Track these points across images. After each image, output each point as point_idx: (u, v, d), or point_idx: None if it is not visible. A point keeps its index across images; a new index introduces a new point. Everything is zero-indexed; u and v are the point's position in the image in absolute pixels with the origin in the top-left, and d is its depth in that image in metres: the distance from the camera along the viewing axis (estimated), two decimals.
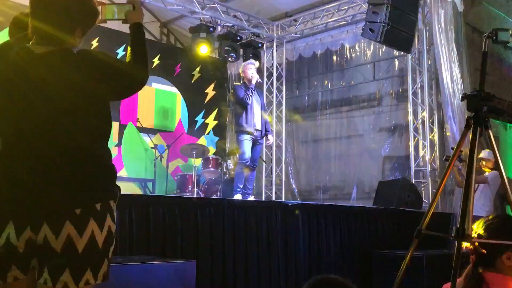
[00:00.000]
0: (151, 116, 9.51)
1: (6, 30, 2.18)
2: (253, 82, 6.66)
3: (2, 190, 1.82)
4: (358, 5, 8.65)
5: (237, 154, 7.47)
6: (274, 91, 10.07)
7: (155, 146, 8.82)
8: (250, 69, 6.74)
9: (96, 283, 1.82)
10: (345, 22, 9.16)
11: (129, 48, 2.05)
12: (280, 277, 4.94)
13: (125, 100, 8.53)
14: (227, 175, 8.27)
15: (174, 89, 9.94)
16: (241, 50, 9.63)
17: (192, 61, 10.18)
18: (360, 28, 7.81)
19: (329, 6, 8.98)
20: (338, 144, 9.54)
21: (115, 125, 8.77)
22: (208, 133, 10.35)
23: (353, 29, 9.14)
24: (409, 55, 8.06)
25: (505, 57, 9.32)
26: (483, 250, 2.06)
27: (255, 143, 6.73)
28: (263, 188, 9.82)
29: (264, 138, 6.92)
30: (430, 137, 7.87)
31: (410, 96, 8.13)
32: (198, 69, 10.32)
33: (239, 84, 6.98)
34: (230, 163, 8.38)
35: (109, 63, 1.94)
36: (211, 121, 10.45)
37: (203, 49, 9.18)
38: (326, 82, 9.95)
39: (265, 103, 7.36)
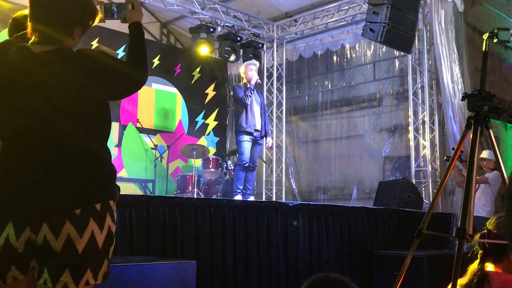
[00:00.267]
0: (151, 117, 9.51)
1: (6, 30, 2.18)
2: (253, 82, 6.66)
3: (1, 190, 1.81)
4: (358, 5, 8.65)
5: (237, 155, 7.47)
6: (274, 91, 10.07)
7: (155, 147, 8.82)
8: (251, 69, 6.74)
9: (96, 283, 1.82)
10: (345, 22, 9.16)
11: (128, 48, 2.05)
12: (280, 278, 4.94)
13: (125, 100, 8.53)
14: (227, 176, 8.27)
15: (174, 90, 9.94)
16: (241, 51, 9.63)
17: (192, 62, 10.18)
18: (361, 28, 7.81)
19: (329, 6, 8.98)
20: (338, 145, 9.53)
21: (115, 126, 8.77)
22: (208, 134, 10.35)
23: (353, 29, 9.14)
24: (410, 55, 8.06)
25: (505, 57, 9.32)
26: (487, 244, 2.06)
27: (254, 143, 6.72)
28: (263, 189, 9.81)
29: (264, 138, 6.91)
30: (431, 137, 7.87)
31: (411, 96, 8.12)
32: (198, 69, 10.32)
33: (239, 84, 6.98)
34: (230, 164, 8.37)
35: (107, 63, 1.94)
36: (211, 122, 10.45)
37: (203, 50, 9.18)
38: (327, 82, 9.94)
39: (265, 103, 7.35)
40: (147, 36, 9.69)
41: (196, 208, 4.45)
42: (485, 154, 6.42)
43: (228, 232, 4.62)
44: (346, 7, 8.86)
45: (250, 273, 4.72)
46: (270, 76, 10.20)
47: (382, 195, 7.30)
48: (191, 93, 10.16)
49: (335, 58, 9.74)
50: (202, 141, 10.04)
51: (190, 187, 8.14)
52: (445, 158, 6.97)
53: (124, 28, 2.17)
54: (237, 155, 7.06)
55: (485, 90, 2.61)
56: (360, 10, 8.62)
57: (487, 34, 2.65)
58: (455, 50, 7.27)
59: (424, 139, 7.92)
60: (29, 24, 1.93)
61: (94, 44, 8.35)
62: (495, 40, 2.65)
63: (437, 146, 7.86)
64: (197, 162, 8.42)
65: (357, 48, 9.39)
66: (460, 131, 6.89)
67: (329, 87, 9.88)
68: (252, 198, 6.78)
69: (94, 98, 1.90)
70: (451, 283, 2.18)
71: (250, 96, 6.59)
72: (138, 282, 3.13)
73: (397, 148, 8.68)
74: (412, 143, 8.00)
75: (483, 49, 2.66)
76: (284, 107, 10.10)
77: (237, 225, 4.70)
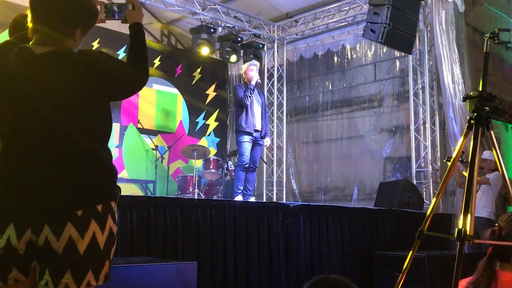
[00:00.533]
0: (152, 118, 9.51)
1: (6, 31, 2.18)
2: (253, 82, 6.66)
3: (2, 191, 1.81)
4: (359, 6, 8.65)
5: (237, 156, 7.47)
6: (275, 92, 10.07)
7: (156, 148, 8.82)
8: (252, 70, 6.74)
9: (98, 284, 1.82)
10: (346, 23, 9.16)
11: (128, 49, 2.05)
12: (281, 279, 4.93)
13: (126, 101, 8.53)
14: (228, 176, 8.26)
15: (175, 90, 9.94)
16: (242, 51, 9.63)
17: (193, 62, 10.19)
18: (361, 29, 7.80)
19: (330, 7, 8.99)
20: (339, 145, 9.53)
21: (116, 127, 8.77)
22: (209, 134, 10.35)
23: (354, 30, 9.14)
24: (410, 55, 8.05)
25: (506, 57, 9.32)
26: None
27: (255, 144, 6.72)
28: (264, 189, 9.81)
29: (263, 139, 6.90)
30: (431, 138, 7.86)
31: (411, 97, 8.12)
32: (199, 70, 10.32)
33: (239, 84, 6.98)
34: (231, 164, 8.37)
35: (108, 64, 1.93)
36: (212, 122, 10.45)
37: (204, 50, 9.18)
38: (327, 83, 9.94)
39: (266, 103, 7.35)
40: (147, 36, 9.69)
41: (197, 208, 4.45)
42: (485, 154, 6.41)
43: (228, 233, 4.62)
44: (347, 8, 8.86)
45: (250, 273, 4.72)
46: (270, 76, 10.20)
47: (383, 195, 7.30)
48: (191, 94, 10.16)
49: (335, 58, 9.74)
50: (203, 141, 10.05)
51: (190, 187, 8.14)
52: (445, 159, 6.96)
53: (124, 28, 2.17)
54: (238, 155, 7.06)
55: (486, 91, 2.61)
56: (360, 10, 8.62)
57: (488, 35, 2.65)
58: (456, 51, 7.27)
59: (425, 139, 7.92)
60: (29, 25, 1.93)
61: (95, 45, 8.36)
62: (496, 41, 2.65)
63: (438, 146, 7.86)
64: (198, 163, 8.42)
65: (357, 48, 9.39)
66: (461, 132, 6.89)
67: (330, 87, 9.87)
68: (252, 199, 6.78)
69: (95, 99, 1.90)
70: (465, 279, 2.17)
71: (250, 97, 6.58)
72: (139, 283, 3.13)
73: (398, 148, 8.68)
74: (412, 144, 8.00)
75: (484, 51, 2.66)
76: (284, 108, 10.10)
77: (237, 226, 4.70)
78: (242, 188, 6.62)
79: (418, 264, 4.88)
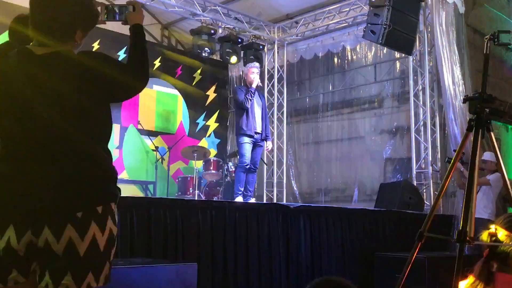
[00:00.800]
0: (152, 119, 9.51)
1: (6, 32, 2.18)
2: (254, 85, 6.65)
3: (2, 193, 1.81)
4: (359, 7, 8.65)
5: (237, 157, 7.46)
6: (275, 93, 10.07)
7: (156, 149, 8.82)
8: (253, 72, 6.73)
9: (98, 286, 1.81)
10: (346, 24, 9.16)
11: (128, 50, 2.05)
12: (281, 280, 4.93)
13: (126, 102, 8.53)
14: (228, 178, 8.26)
15: (175, 91, 9.95)
16: (242, 52, 9.63)
17: (193, 63, 10.19)
18: (361, 30, 7.80)
19: (330, 8, 8.99)
20: (339, 146, 9.53)
21: (116, 128, 8.78)
22: (209, 135, 10.35)
23: (354, 31, 9.14)
24: (411, 57, 8.05)
25: (506, 58, 9.32)
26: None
27: (255, 145, 6.71)
28: (264, 191, 9.81)
29: (264, 141, 6.89)
30: (432, 139, 7.86)
31: (412, 98, 8.12)
32: (199, 71, 10.33)
33: (240, 86, 6.98)
34: (231, 165, 8.37)
35: (108, 65, 1.94)
36: (212, 123, 10.46)
37: (204, 51, 9.18)
38: (327, 84, 9.94)
39: (266, 105, 7.35)
40: (148, 38, 9.65)
41: (197, 210, 4.45)
42: (486, 156, 6.41)
43: (229, 234, 4.62)
44: (347, 9, 8.86)
45: (251, 275, 4.72)
46: (271, 77, 10.20)
47: (383, 197, 7.29)
48: (192, 95, 10.17)
49: (336, 59, 9.74)
50: (203, 142, 10.04)
51: (191, 189, 8.14)
52: (446, 160, 6.97)
53: (125, 30, 2.17)
54: (238, 157, 7.06)
55: (486, 92, 2.61)
56: (361, 11, 8.62)
57: (488, 37, 2.65)
58: (456, 52, 7.27)
59: (425, 141, 7.92)
60: (30, 26, 1.93)
61: (96, 46, 8.36)
62: (496, 43, 2.65)
63: (438, 148, 7.85)
64: (198, 164, 8.42)
65: (358, 49, 9.39)
66: (461, 133, 6.89)
67: (330, 88, 9.87)
68: (253, 200, 6.78)
69: (95, 100, 1.90)
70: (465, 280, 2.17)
71: (250, 100, 6.57)
72: (140, 284, 3.13)
73: (398, 150, 8.68)
74: (413, 145, 7.99)
75: (484, 52, 2.66)
76: (285, 109, 10.10)
77: (238, 227, 4.70)
78: (242, 189, 6.62)
79: (418, 266, 4.88)
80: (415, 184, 7.67)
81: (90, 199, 1.83)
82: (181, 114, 10.01)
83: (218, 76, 10.72)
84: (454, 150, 6.31)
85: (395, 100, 8.94)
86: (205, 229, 4.45)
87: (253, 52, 9.67)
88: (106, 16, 2.14)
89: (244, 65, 9.00)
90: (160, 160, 8.84)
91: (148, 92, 9.31)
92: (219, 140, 10.52)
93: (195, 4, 8.77)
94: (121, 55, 8.68)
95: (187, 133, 9.94)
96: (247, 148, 6.58)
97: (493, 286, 1.97)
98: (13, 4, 7.49)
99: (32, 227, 1.77)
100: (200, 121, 10.26)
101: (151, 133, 9.24)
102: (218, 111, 10.54)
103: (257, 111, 6.73)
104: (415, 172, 7.91)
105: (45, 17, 1.91)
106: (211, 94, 10.52)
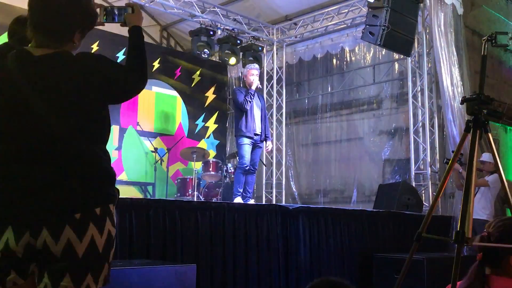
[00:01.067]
0: (151, 120, 9.52)
1: (5, 34, 2.19)
2: (253, 87, 6.65)
3: (0, 194, 1.81)
4: (358, 9, 8.66)
5: (237, 158, 7.47)
6: (274, 94, 10.08)
7: (155, 150, 8.83)
8: (252, 74, 6.73)
9: (97, 287, 1.81)
10: (345, 25, 9.17)
11: (127, 52, 2.05)
12: (280, 281, 4.93)
13: (125, 103, 8.52)
14: (227, 179, 8.27)
15: (174, 93, 9.95)
16: (241, 54, 9.65)
17: (192, 65, 10.20)
18: (360, 31, 7.82)
19: (329, 9, 9.00)
20: (338, 147, 9.54)
21: (115, 129, 8.78)
22: (208, 137, 10.36)
23: (353, 33, 9.16)
24: (409, 58, 8.07)
25: (505, 59, 9.33)
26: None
27: (255, 146, 6.72)
28: (263, 192, 9.81)
29: (264, 142, 6.89)
30: (430, 140, 7.87)
31: (410, 99, 8.13)
32: (198, 72, 10.34)
33: (239, 88, 6.98)
34: (231, 167, 8.38)
35: (106, 67, 1.94)
36: (211, 125, 10.46)
37: (203, 53, 9.19)
38: (326, 85, 9.95)
39: (265, 106, 7.35)
40: (147, 39, 9.72)
41: (196, 211, 4.45)
42: (484, 156, 6.42)
43: (228, 235, 4.62)
44: (346, 10, 8.87)
45: (250, 276, 4.71)
46: (270, 79, 10.21)
47: (382, 198, 7.30)
48: (191, 96, 10.18)
49: (334, 61, 9.75)
50: (202, 144, 10.05)
51: (190, 190, 8.14)
52: (444, 161, 6.98)
53: (124, 31, 2.17)
54: (237, 158, 7.06)
55: (484, 93, 2.62)
56: (359, 13, 8.63)
57: (485, 38, 2.66)
58: (455, 53, 7.28)
59: (424, 142, 7.93)
60: (28, 27, 1.93)
61: (94, 47, 8.37)
62: (494, 44, 2.66)
63: (437, 149, 7.87)
64: (197, 165, 8.43)
65: (356, 51, 9.40)
66: (459, 134, 6.90)
67: (329, 90, 9.88)
68: (252, 201, 6.78)
69: (93, 101, 1.90)
70: (450, 286, 2.18)
71: (250, 101, 6.57)
72: (138, 286, 3.13)
73: (397, 151, 8.69)
74: (411, 146, 8.01)
75: (482, 53, 2.66)
76: (284, 110, 10.11)
77: (237, 228, 4.70)
78: (241, 190, 6.62)
79: (417, 266, 4.88)
80: (413, 185, 7.68)
81: (88, 200, 1.83)
82: (180, 115, 10.02)
83: (217, 77, 10.73)
84: (453, 151, 6.32)
85: (393, 101, 8.95)
86: (204, 230, 4.45)
87: (252, 53, 9.69)
88: (105, 18, 2.15)
89: (243, 66, 9.02)
90: (159, 161, 8.85)
91: (147, 94, 9.32)
92: (218, 141, 10.52)
93: (194, 6, 8.77)
94: (120, 56, 8.69)
95: (186, 135, 9.95)
96: (247, 149, 6.58)
97: None
98: (12, 5, 7.50)
99: (30, 228, 1.76)
100: (199, 122, 10.26)
101: (150, 135, 9.25)
102: (217, 113, 10.55)
103: (257, 113, 6.73)
104: (413, 173, 7.92)
105: (44, 19, 1.91)
106: (210, 95, 10.52)
